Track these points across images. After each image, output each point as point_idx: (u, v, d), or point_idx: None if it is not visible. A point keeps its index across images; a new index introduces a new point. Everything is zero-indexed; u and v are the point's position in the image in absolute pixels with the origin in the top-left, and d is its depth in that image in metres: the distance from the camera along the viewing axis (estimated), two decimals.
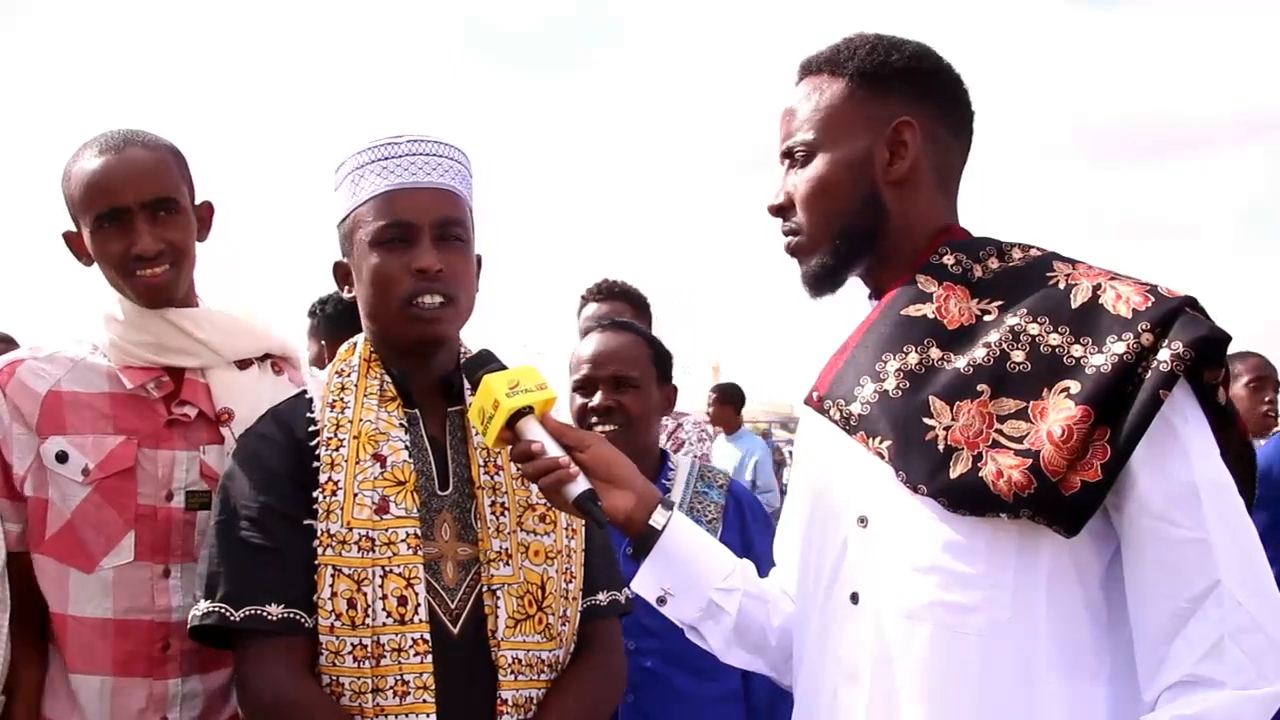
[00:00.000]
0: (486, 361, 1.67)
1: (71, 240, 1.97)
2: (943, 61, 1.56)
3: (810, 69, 1.57)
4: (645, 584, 1.63)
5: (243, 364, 2.00)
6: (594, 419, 2.42)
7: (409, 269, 1.67)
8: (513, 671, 1.66)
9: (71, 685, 1.85)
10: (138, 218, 1.86)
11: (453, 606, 1.67)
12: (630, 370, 2.44)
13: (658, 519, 1.61)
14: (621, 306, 3.19)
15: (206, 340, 1.94)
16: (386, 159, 1.71)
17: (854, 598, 1.45)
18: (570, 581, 1.77)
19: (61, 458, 1.85)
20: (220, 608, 1.61)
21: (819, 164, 1.52)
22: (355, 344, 1.81)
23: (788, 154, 1.56)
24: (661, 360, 2.54)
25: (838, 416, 1.49)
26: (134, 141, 1.91)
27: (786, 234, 1.58)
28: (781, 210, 1.57)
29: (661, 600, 1.63)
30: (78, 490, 1.85)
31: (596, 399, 2.42)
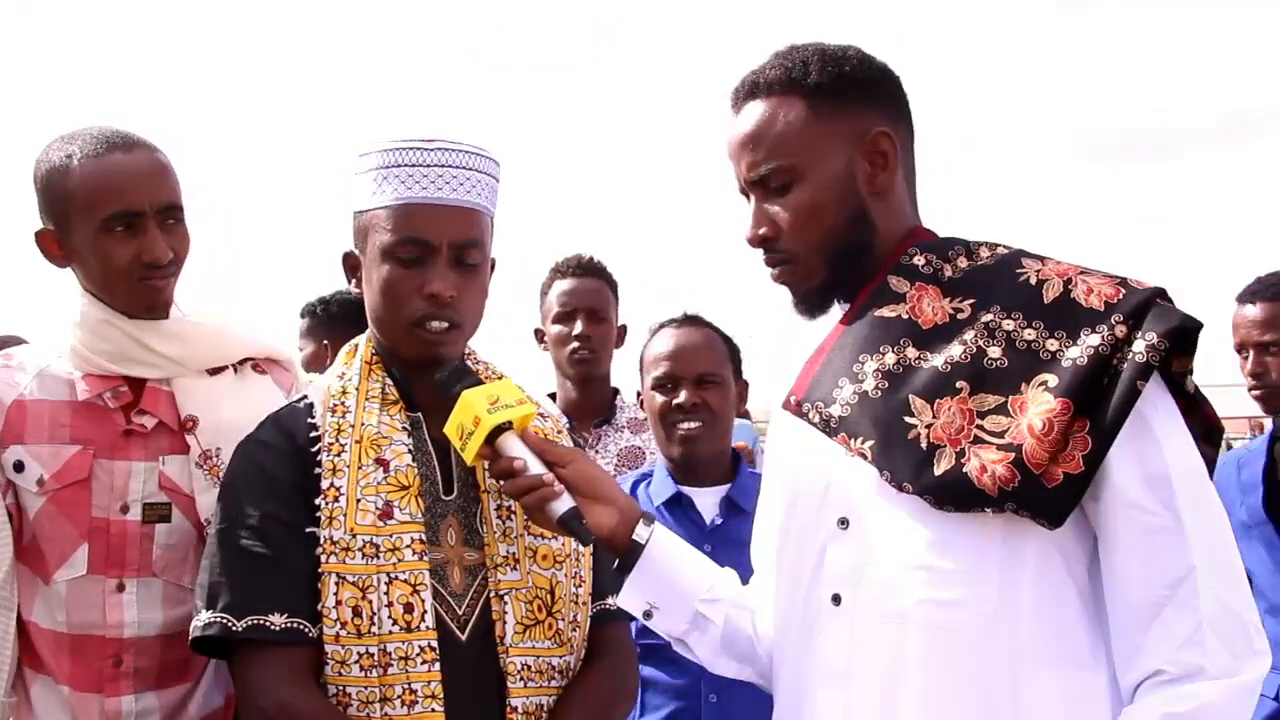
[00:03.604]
0: (462, 376, 1.65)
1: (46, 240, 1.89)
2: (880, 61, 1.56)
3: (757, 91, 1.54)
4: (630, 599, 1.64)
5: (214, 370, 1.95)
6: (678, 417, 2.39)
7: (420, 291, 1.64)
8: (522, 678, 1.64)
9: (32, 694, 1.83)
10: (151, 223, 1.82)
11: (460, 613, 1.64)
12: (715, 367, 2.43)
13: (640, 534, 1.61)
14: (598, 284, 3.14)
15: (166, 353, 1.89)
16: (414, 165, 1.66)
17: (836, 599, 1.45)
18: (580, 586, 1.74)
19: (18, 467, 1.82)
20: (222, 618, 1.58)
21: (805, 187, 1.51)
22: (356, 346, 1.78)
23: (759, 182, 1.54)
24: (736, 355, 2.53)
25: (817, 419, 1.49)
26: (137, 142, 1.86)
27: (775, 264, 1.56)
28: (765, 241, 1.55)
29: (647, 614, 1.64)
30: (34, 500, 1.82)
31: (681, 396, 2.39)
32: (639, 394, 2.59)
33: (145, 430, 1.87)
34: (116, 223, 1.80)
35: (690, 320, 2.50)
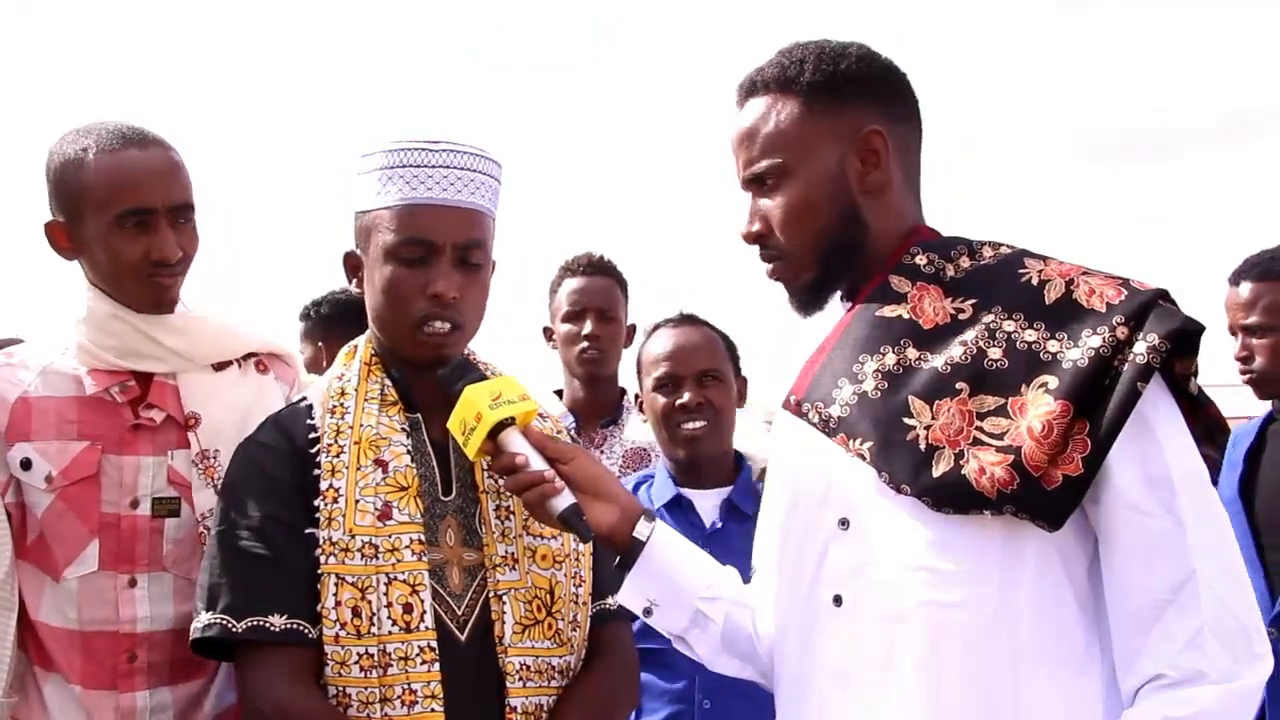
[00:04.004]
0: (465, 372, 1.65)
1: (55, 231, 1.89)
2: (885, 59, 1.55)
3: (755, 89, 1.55)
4: (630, 596, 1.63)
5: (220, 365, 1.96)
6: (682, 417, 2.36)
7: (424, 291, 1.65)
8: (521, 678, 1.64)
9: (45, 694, 1.83)
10: (162, 221, 1.83)
11: (459, 613, 1.64)
12: (716, 364, 2.41)
13: (641, 531, 1.61)
14: (608, 283, 3.10)
15: (174, 347, 1.90)
16: (418, 166, 1.66)
17: (837, 600, 1.45)
18: (579, 586, 1.74)
19: (25, 464, 1.82)
20: (222, 619, 1.58)
21: (794, 185, 1.51)
22: (355, 346, 1.78)
23: (754, 179, 1.54)
24: (734, 352, 2.51)
25: (817, 419, 1.48)
26: (152, 140, 1.87)
27: (768, 260, 1.56)
28: (759, 237, 1.55)
29: (648, 611, 1.63)
30: (42, 498, 1.82)
31: (685, 396, 2.36)
32: (637, 397, 2.56)
33: (154, 424, 1.88)
34: (129, 219, 1.81)
35: (687, 319, 2.48)
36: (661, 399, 2.39)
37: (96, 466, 1.83)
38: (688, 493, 2.41)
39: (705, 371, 2.38)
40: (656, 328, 2.50)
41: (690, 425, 2.36)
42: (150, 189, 1.82)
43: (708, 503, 2.40)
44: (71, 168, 1.84)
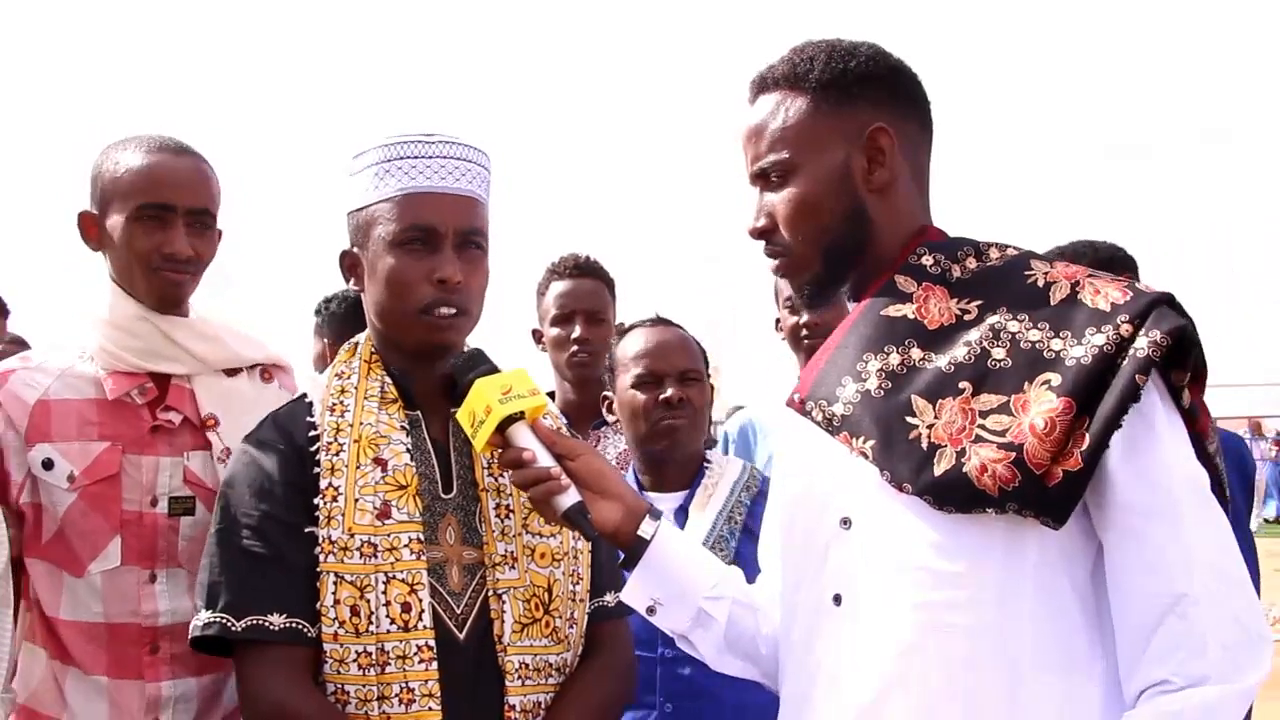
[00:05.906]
0: (477, 363, 1.65)
1: (86, 221, 2.00)
2: (896, 59, 1.56)
3: (766, 85, 1.56)
4: (634, 595, 1.64)
5: (231, 371, 2.03)
6: (664, 413, 2.36)
7: (429, 277, 1.65)
8: (520, 677, 1.64)
9: (65, 687, 1.87)
10: (179, 221, 1.94)
11: (458, 611, 1.64)
12: (696, 364, 2.42)
13: (646, 529, 1.61)
14: (595, 285, 3.08)
15: (194, 350, 1.97)
16: (415, 158, 1.69)
17: (837, 599, 1.44)
18: (577, 584, 1.75)
19: (47, 465, 1.87)
20: (222, 618, 1.59)
21: (799, 182, 1.51)
22: (356, 344, 1.79)
23: (761, 175, 1.54)
24: (705, 357, 2.52)
25: (820, 418, 1.48)
26: (188, 150, 2.00)
27: (773, 255, 1.57)
28: (764, 233, 1.56)
29: (651, 610, 1.63)
30: (64, 497, 1.87)
31: (669, 391, 2.36)
32: (605, 398, 2.53)
33: (172, 426, 1.94)
34: (147, 212, 1.92)
35: (662, 321, 2.49)
36: (642, 395, 2.38)
37: (118, 466, 1.89)
38: (651, 496, 2.40)
39: (686, 371, 2.39)
40: (630, 328, 2.50)
41: (671, 421, 2.36)
42: (172, 189, 1.94)
43: (668, 506, 2.40)
44: (109, 164, 1.97)
